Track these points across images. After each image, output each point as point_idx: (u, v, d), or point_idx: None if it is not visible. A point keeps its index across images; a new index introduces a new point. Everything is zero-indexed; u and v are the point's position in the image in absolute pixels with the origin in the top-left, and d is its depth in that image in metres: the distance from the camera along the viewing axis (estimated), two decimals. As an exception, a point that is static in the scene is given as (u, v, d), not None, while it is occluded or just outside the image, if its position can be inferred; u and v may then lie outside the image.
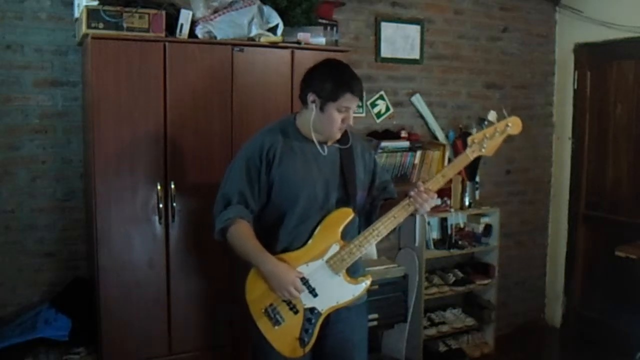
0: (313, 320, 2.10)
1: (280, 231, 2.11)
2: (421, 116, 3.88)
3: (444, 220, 3.87)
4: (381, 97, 3.72)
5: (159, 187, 2.56)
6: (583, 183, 4.30)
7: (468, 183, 3.84)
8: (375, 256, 3.53)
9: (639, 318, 3.58)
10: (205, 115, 2.66)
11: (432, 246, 3.78)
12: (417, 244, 3.65)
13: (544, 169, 4.50)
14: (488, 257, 4.00)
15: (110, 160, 2.49)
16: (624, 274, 3.63)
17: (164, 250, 2.64)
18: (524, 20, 4.25)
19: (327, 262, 2.08)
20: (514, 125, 2.12)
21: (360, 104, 3.61)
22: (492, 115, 2.13)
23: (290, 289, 2.02)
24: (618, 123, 4.05)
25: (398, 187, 3.53)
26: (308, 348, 2.10)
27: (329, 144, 2.16)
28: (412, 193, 2.06)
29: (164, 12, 2.54)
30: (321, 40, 2.97)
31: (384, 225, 2.09)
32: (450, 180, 3.71)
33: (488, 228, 3.91)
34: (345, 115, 2.06)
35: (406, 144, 3.61)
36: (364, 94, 3.62)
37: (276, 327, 2.09)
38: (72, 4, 2.79)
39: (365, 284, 2.14)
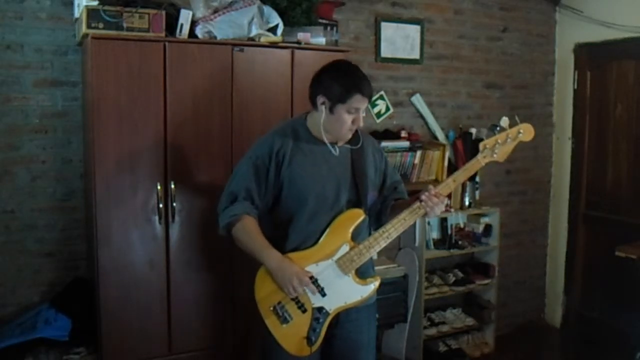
0: (321, 320, 2.10)
1: (290, 230, 2.12)
2: (421, 116, 3.88)
3: (444, 220, 3.87)
4: (381, 97, 3.72)
5: (159, 187, 2.56)
6: (583, 183, 4.30)
7: (468, 183, 3.84)
8: (375, 256, 3.53)
9: (639, 318, 3.57)
10: (205, 115, 2.66)
11: (432, 246, 3.78)
12: (417, 244, 3.65)
13: (544, 169, 4.50)
14: (488, 257, 4.00)
15: (110, 160, 2.49)
16: (624, 274, 3.63)
17: (164, 250, 2.64)
18: (524, 20, 4.25)
19: (336, 262, 2.08)
20: (526, 131, 2.12)
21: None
22: (504, 122, 2.12)
23: (294, 283, 2.01)
24: (618, 123, 4.05)
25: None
26: (315, 347, 2.10)
27: (340, 144, 2.16)
28: (423, 197, 2.06)
29: (164, 12, 2.54)
30: (321, 40, 2.97)
31: (394, 228, 2.10)
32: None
33: (488, 228, 3.91)
34: (355, 116, 2.06)
35: (406, 144, 3.62)
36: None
37: (284, 325, 2.09)
38: (72, 4, 2.79)
39: (373, 285, 2.15)
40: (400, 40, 3.75)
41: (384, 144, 3.49)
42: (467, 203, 3.85)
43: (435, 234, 3.88)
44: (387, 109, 3.75)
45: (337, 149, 2.14)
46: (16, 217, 2.84)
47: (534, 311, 4.56)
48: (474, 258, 4.11)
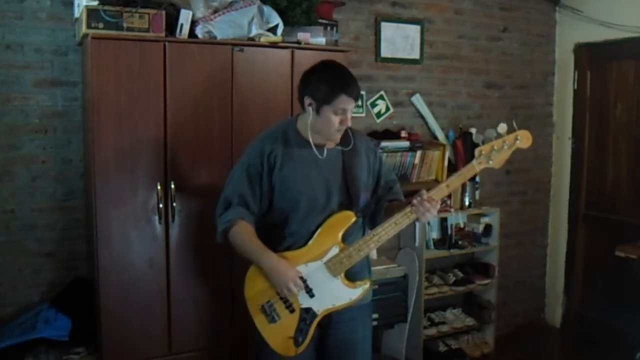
0: (308, 321, 2.10)
1: (283, 233, 2.13)
2: (421, 116, 3.88)
3: (444, 220, 3.87)
4: (381, 97, 3.72)
5: (159, 187, 2.56)
6: (583, 183, 4.30)
7: (468, 183, 3.83)
8: (375, 256, 3.53)
9: (639, 318, 3.57)
10: (205, 115, 2.66)
11: (432, 246, 3.78)
12: (417, 244, 3.65)
13: (544, 169, 4.50)
14: (488, 257, 4.00)
15: (110, 160, 2.49)
16: (624, 274, 3.63)
17: (164, 250, 2.64)
18: (524, 20, 4.25)
19: (325, 263, 2.08)
20: (523, 138, 2.12)
21: (361, 104, 3.61)
22: (501, 128, 2.11)
23: (290, 286, 2.02)
24: (618, 123, 4.05)
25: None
26: (301, 348, 2.10)
27: (330, 145, 2.16)
28: (415, 201, 2.05)
29: (164, 12, 2.54)
30: (321, 40, 2.97)
31: (384, 231, 2.09)
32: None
33: (488, 228, 3.91)
34: (343, 117, 2.05)
35: (406, 144, 3.62)
36: (364, 93, 3.63)
37: (271, 324, 2.11)
38: (72, 4, 2.79)
39: (362, 288, 2.13)
40: (400, 40, 3.75)
41: (384, 144, 3.49)
42: (467, 203, 3.85)
43: (435, 234, 3.88)
44: (387, 109, 3.75)
45: (325, 151, 2.13)
46: (16, 217, 2.84)
47: (534, 311, 4.56)
48: (474, 258, 4.11)
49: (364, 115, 3.65)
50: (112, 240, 2.53)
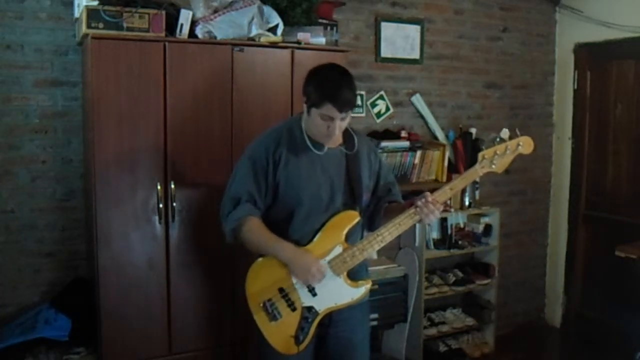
0: (310, 319, 2.10)
1: (287, 230, 2.12)
2: (421, 116, 3.88)
3: (444, 220, 3.87)
4: (381, 97, 3.72)
5: (159, 187, 2.56)
6: (583, 183, 4.30)
7: (468, 183, 3.84)
8: (375, 256, 3.53)
9: (639, 318, 3.57)
10: (206, 115, 2.66)
11: (432, 246, 3.78)
12: (417, 244, 3.65)
13: (544, 169, 4.50)
14: (488, 257, 4.00)
15: (110, 160, 2.49)
16: (624, 274, 3.63)
17: (164, 250, 2.64)
18: (524, 20, 4.25)
19: (329, 262, 2.09)
20: (525, 144, 2.15)
21: (361, 104, 3.61)
22: (504, 133, 2.13)
23: (314, 271, 2.02)
24: (618, 123, 4.05)
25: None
26: (302, 346, 2.10)
27: (335, 145, 2.16)
28: (419, 203, 2.05)
29: (164, 12, 2.54)
30: (321, 40, 2.97)
31: (388, 232, 2.09)
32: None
33: (488, 228, 3.91)
34: (330, 124, 2.03)
35: (406, 144, 3.61)
36: (364, 93, 3.63)
37: (272, 323, 2.10)
38: (72, 4, 2.79)
39: (365, 288, 2.14)
40: (400, 40, 3.75)
41: (384, 144, 3.49)
42: (467, 203, 3.85)
43: (435, 234, 3.88)
44: (387, 109, 3.75)
45: (326, 148, 2.13)
46: (16, 217, 2.84)
47: (534, 311, 4.56)
48: (474, 258, 4.11)
49: (364, 115, 3.65)
50: (112, 240, 2.53)
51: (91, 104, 2.47)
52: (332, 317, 2.16)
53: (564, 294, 4.45)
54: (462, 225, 3.97)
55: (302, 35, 2.89)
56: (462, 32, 4.00)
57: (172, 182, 2.59)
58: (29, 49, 2.80)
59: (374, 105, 3.70)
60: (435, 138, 3.89)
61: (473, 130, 3.93)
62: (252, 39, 2.74)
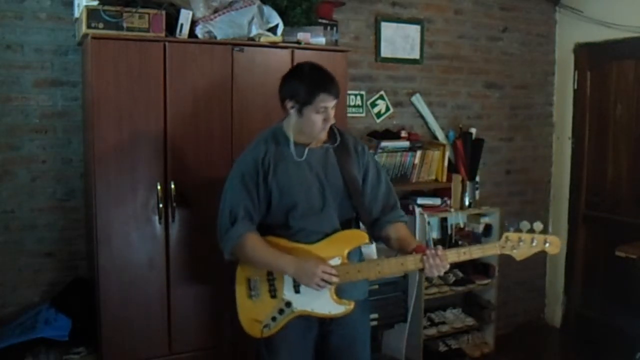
0: (284, 313, 2.12)
1: (284, 232, 2.14)
2: (421, 116, 3.88)
3: (444, 220, 3.87)
4: (381, 97, 3.72)
5: (159, 187, 2.56)
6: (583, 183, 4.30)
7: (468, 183, 3.83)
8: (375, 256, 3.53)
9: (639, 318, 3.57)
10: (205, 115, 2.66)
11: (432, 246, 3.76)
12: (422, 245, 3.64)
13: (544, 169, 4.50)
14: (488, 257, 3.99)
15: (110, 160, 2.49)
16: (624, 274, 3.62)
17: (164, 250, 2.64)
18: (524, 20, 4.25)
19: None
20: (552, 243, 2.11)
21: (361, 104, 3.62)
22: (537, 226, 2.12)
23: (319, 273, 2.00)
24: (618, 123, 4.05)
25: (397, 187, 3.54)
26: (266, 334, 2.12)
27: (318, 144, 2.17)
28: (427, 252, 2.05)
29: (164, 12, 2.54)
30: (321, 40, 2.97)
31: (389, 267, 2.10)
32: (451, 180, 3.71)
33: (488, 228, 3.91)
34: (325, 115, 2.06)
35: (406, 144, 3.61)
36: (364, 93, 3.63)
37: (249, 300, 2.15)
38: (72, 4, 2.79)
39: (344, 308, 2.13)
40: (400, 40, 3.75)
41: (384, 144, 3.49)
42: (467, 203, 3.85)
43: (435, 234, 3.87)
44: (387, 109, 3.75)
45: (306, 152, 2.13)
46: (16, 217, 2.84)
47: (534, 311, 4.56)
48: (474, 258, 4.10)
49: (364, 115, 3.65)
50: (112, 240, 2.53)
51: (91, 104, 2.47)
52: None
53: (564, 294, 4.45)
54: (462, 225, 3.96)
55: (302, 35, 2.89)
56: (462, 32, 4.00)
57: (172, 182, 2.59)
58: (29, 49, 2.80)
59: (374, 105, 3.70)
60: (435, 138, 3.89)
61: (473, 130, 3.93)
62: (252, 39, 2.74)
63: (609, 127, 4.10)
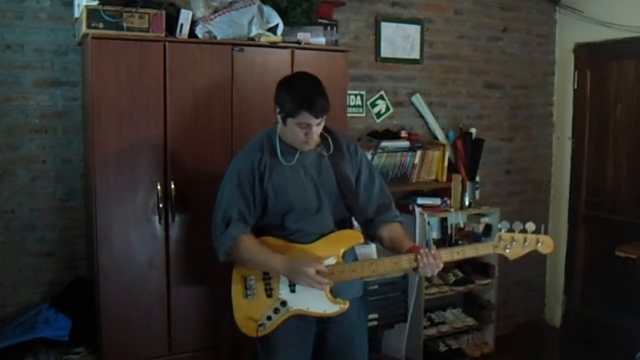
0: (279, 312, 2.13)
1: (282, 231, 2.15)
2: (421, 116, 3.88)
3: (444, 220, 3.87)
4: (381, 97, 3.72)
5: (159, 187, 2.56)
6: (583, 183, 4.30)
7: (468, 183, 3.83)
8: (375, 256, 3.53)
9: (639, 318, 3.57)
10: (205, 115, 2.66)
11: (432, 246, 3.76)
12: (417, 244, 3.64)
13: (544, 169, 4.50)
14: (488, 257, 3.98)
15: (110, 160, 2.49)
16: (624, 274, 3.63)
17: (164, 250, 2.64)
18: (524, 20, 4.25)
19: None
20: (545, 243, 2.16)
21: (361, 104, 3.61)
22: (529, 226, 2.14)
23: (311, 273, 2.00)
24: (618, 123, 4.05)
25: (397, 187, 3.54)
26: (261, 333, 2.13)
27: (313, 148, 2.17)
28: (421, 251, 2.07)
29: (164, 12, 2.54)
30: (321, 40, 2.97)
31: (384, 266, 2.11)
32: (451, 180, 3.71)
33: (488, 228, 3.91)
34: (307, 130, 2.06)
35: (406, 144, 3.61)
36: (364, 93, 3.63)
37: (245, 299, 2.16)
38: (72, 4, 2.79)
39: (339, 307, 2.14)
40: (400, 40, 3.75)
41: (384, 144, 3.49)
42: (467, 203, 3.85)
43: (435, 234, 3.87)
44: (387, 109, 3.75)
45: (297, 156, 2.13)
46: (16, 217, 2.84)
47: (534, 311, 4.56)
48: (473, 258, 4.09)
49: (364, 115, 3.65)
50: (112, 240, 2.53)
51: (91, 104, 2.47)
52: None
53: (564, 294, 4.45)
54: (462, 225, 3.96)
55: (302, 35, 2.89)
56: (462, 32, 4.00)
57: (172, 182, 2.59)
58: (29, 49, 2.80)
59: (374, 105, 3.70)
60: (435, 138, 3.89)
61: (473, 130, 3.93)
62: (252, 39, 2.74)
63: (609, 127, 4.10)
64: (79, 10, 2.59)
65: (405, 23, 3.75)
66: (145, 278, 2.61)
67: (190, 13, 2.62)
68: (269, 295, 2.14)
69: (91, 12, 2.42)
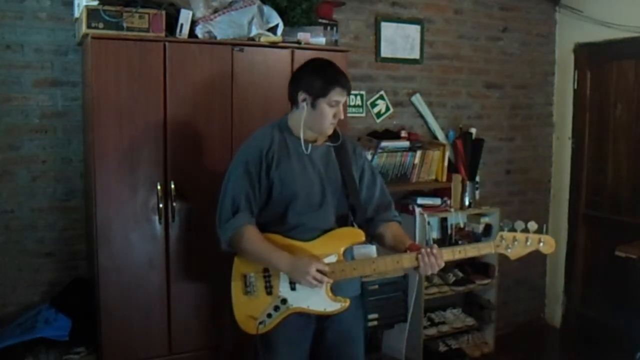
0: (280, 310, 2.13)
1: (282, 226, 2.15)
2: (421, 116, 3.88)
3: (444, 220, 3.87)
4: (381, 97, 3.72)
5: (159, 187, 2.56)
6: (583, 183, 4.30)
7: (468, 183, 3.83)
8: (374, 254, 3.52)
9: (639, 318, 3.57)
10: (205, 115, 2.66)
11: (433, 244, 3.77)
12: (417, 244, 3.64)
13: (544, 169, 4.50)
14: (488, 257, 3.99)
15: (110, 160, 2.49)
16: (624, 274, 3.63)
17: (164, 251, 2.64)
18: (524, 20, 4.25)
19: None
20: (547, 243, 2.16)
21: (361, 104, 3.61)
22: (531, 225, 2.14)
23: (312, 272, 2.00)
24: (618, 123, 4.05)
25: (397, 187, 3.54)
26: (261, 331, 2.12)
27: (321, 142, 2.20)
28: (422, 250, 2.07)
29: (164, 12, 2.54)
30: (321, 40, 2.97)
31: (385, 264, 2.12)
32: (451, 180, 3.71)
33: (488, 228, 3.91)
34: (336, 109, 2.11)
35: (406, 144, 3.61)
36: (364, 93, 3.63)
37: (245, 296, 2.15)
38: (72, 4, 2.79)
39: (340, 305, 2.14)
40: (400, 40, 3.75)
41: (384, 144, 3.49)
42: (467, 203, 3.85)
43: (435, 234, 3.87)
44: (387, 109, 3.75)
45: (310, 147, 2.17)
46: (16, 217, 2.84)
47: (534, 311, 4.56)
48: (474, 258, 4.10)
49: (364, 115, 3.65)
50: (112, 240, 2.53)
51: (91, 104, 2.47)
52: None
53: (564, 294, 4.45)
54: (462, 225, 3.96)
55: (302, 35, 2.89)
56: (462, 32, 4.00)
57: (172, 182, 2.59)
58: (29, 49, 2.80)
59: (374, 105, 3.70)
60: (435, 138, 3.89)
61: (473, 130, 3.93)
62: (252, 39, 2.74)
63: (609, 127, 4.10)
64: (79, 10, 2.59)
65: (405, 23, 3.75)
66: (145, 278, 2.61)
67: (190, 13, 2.62)
68: (269, 293, 2.13)
69: (91, 12, 2.42)
